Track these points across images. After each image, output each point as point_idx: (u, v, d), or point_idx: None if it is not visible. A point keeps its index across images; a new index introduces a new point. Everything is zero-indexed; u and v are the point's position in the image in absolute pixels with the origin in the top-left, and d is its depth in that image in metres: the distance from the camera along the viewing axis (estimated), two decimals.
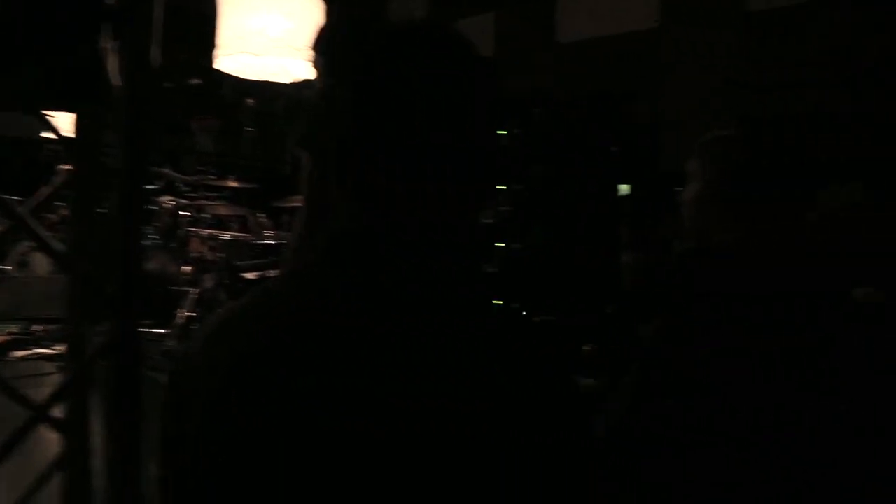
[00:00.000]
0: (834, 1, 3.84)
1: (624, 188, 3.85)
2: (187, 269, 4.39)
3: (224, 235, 4.51)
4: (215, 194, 4.74)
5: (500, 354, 0.66)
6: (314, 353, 0.62)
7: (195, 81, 4.74)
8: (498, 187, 3.44)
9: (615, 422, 1.47)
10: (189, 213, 4.56)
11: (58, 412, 1.40)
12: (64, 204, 2.12)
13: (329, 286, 0.66)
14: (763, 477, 1.33)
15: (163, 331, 3.91)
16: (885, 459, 1.32)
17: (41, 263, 4.15)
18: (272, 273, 3.89)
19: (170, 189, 4.71)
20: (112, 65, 1.29)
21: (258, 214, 4.89)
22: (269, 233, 4.76)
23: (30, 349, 3.65)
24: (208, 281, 4.27)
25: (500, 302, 3.42)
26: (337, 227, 0.71)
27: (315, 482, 0.59)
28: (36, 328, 3.84)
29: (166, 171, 4.68)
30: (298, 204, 0.96)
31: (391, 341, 0.62)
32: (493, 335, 0.68)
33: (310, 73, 0.98)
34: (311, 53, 0.95)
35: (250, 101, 5.15)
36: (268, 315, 0.67)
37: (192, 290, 4.21)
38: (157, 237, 4.54)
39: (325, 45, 0.94)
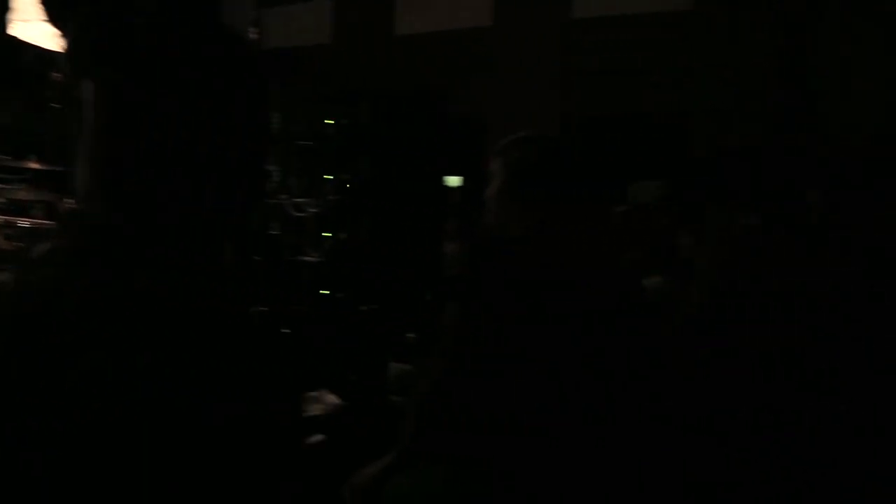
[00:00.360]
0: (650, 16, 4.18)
1: (454, 181, 3.99)
2: None
3: (23, 223, 4.11)
4: (14, 177, 4.30)
5: (213, 349, 0.65)
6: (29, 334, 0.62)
7: None
8: (326, 177, 3.45)
9: (421, 401, 1.56)
10: None
11: None
12: None
13: (66, 276, 0.66)
14: (551, 448, 1.47)
15: None
16: (667, 449, 1.50)
17: None
18: None
19: None
20: None
21: (66, 200, 4.51)
22: None
23: None
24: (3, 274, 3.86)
25: (327, 291, 3.43)
26: (86, 218, 0.69)
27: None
28: None
29: None
30: None
31: (106, 334, 0.61)
32: (212, 330, 0.67)
33: None
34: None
35: (57, 74, 4.72)
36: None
37: None
38: None
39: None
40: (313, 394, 2.85)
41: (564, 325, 1.49)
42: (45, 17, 0.70)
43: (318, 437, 2.54)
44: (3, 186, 4.19)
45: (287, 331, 3.03)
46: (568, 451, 1.47)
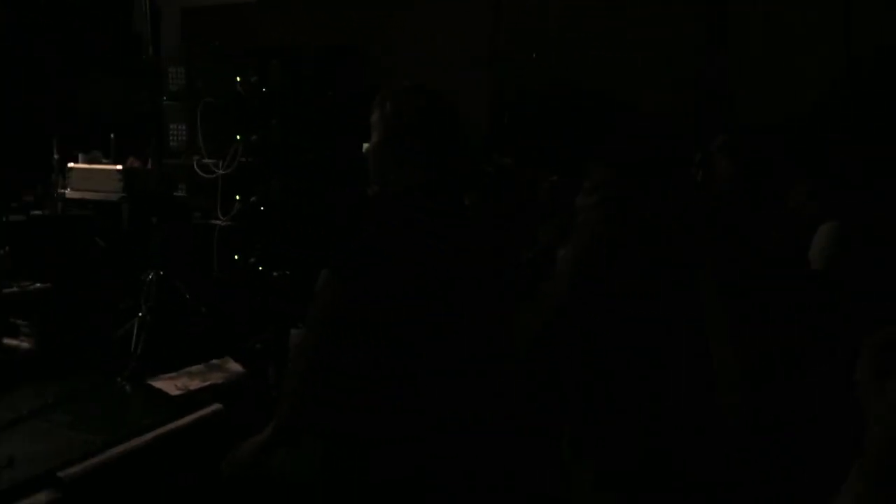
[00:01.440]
0: None
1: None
2: None
3: None
4: None
5: None
6: None
7: None
8: (238, 137, 3.32)
9: (298, 374, 1.52)
10: None
11: None
12: None
13: None
14: (424, 416, 1.45)
15: None
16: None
17: None
18: None
19: None
20: None
21: None
22: None
23: None
24: None
25: (237, 256, 3.33)
26: None
27: None
28: None
29: None
30: None
31: None
32: None
33: None
34: None
35: None
36: None
37: None
38: None
39: None
40: (216, 361, 2.78)
41: (434, 289, 1.47)
42: None
43: (216, 406, 2.48)
44: None
45: (189, 296, 2.93)
46: (441, 420, 1.46)
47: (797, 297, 1.48)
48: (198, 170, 3.26)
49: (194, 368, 2.64)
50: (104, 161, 3.34)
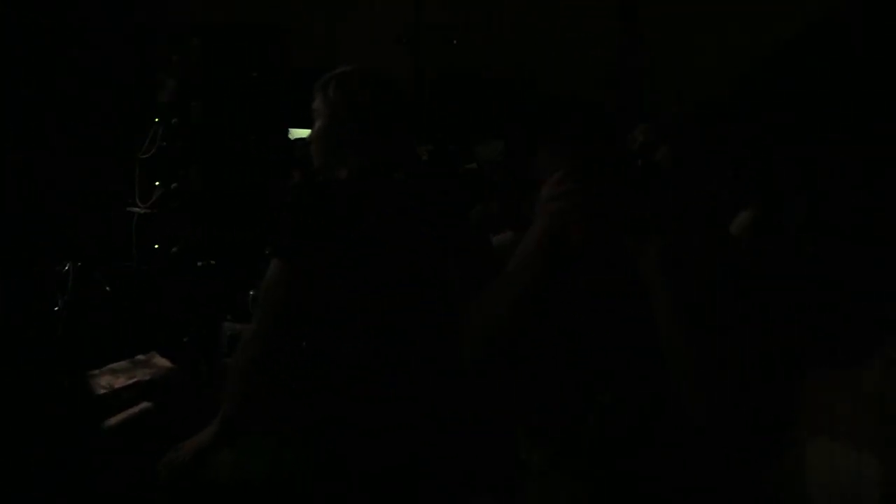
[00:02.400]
0: None
1: (300, 132, 3.79)
2: None
3: None
4: None
5: None
6: None
7: None
8: (156, 120, 3.15)
9: (244, 366, 1.47)
10: None
11: None
12: None
13: None
14: (381, 404, 1.43)
15: None
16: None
17: None
18: None
19: None
20: None
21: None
22: None
23: None
24: None
25: (157, 246, 3.17)
26: None
27: None
28: None
29: None
30: None
31: None
32: None
33: None
34: None
35: None
36: None
37: None
38: None
39: None
40: (142, 357, 2.65)
41: (386, 276, 1.45)
42: None
43: (145, 405, 2.37)
44: None
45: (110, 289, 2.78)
46: (400, 407, 1.44)
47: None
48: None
49: (118, 365, 2.51)
50: None
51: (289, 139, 3.40)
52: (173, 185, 3.11)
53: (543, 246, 1.04)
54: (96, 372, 2.42)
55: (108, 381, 2.37)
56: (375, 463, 1.41)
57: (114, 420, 2.16)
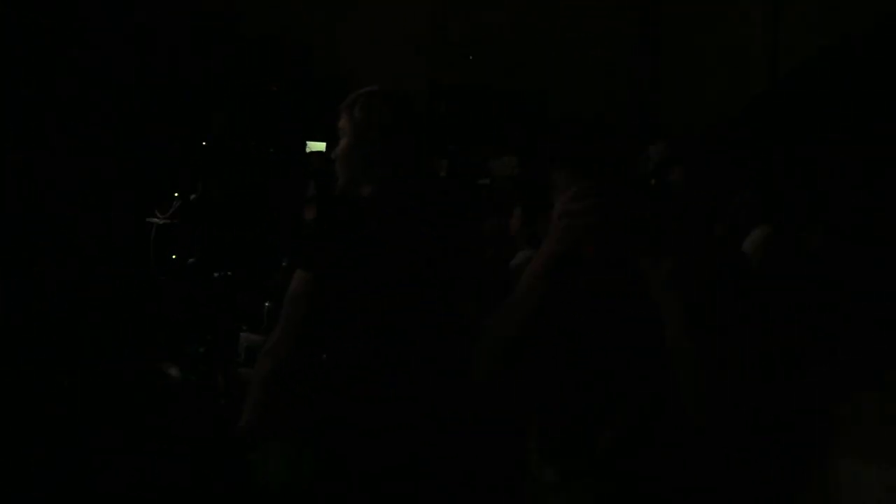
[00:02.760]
0: None
1: (317, 145, 3.84)
2: None
3: None
4: None
5: None
6: None
7: None
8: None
9: (266, 376, 1.49)
10: None
11: None
12: None
13: None
14: (401, 413, 1.45)
15: None
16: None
17: None
18: None
19: None
20: None
21: None
22: None
23: None
24: None
25: (175, 256, 3.21)
26: None
27: None
28: None
29: None
30: None
31: None
32: None
33: None
34: None
35: None
36: None
37: None
38: None
39: None
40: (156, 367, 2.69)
41: (408, 288, 1.48)
42: None
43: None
44: None
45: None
46: (417, 416, 1.46)
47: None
48: None
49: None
50: None
51: (304, 148, 3.45)
52: (192, 195, 3.16)
53: (548, 269, 1.06)
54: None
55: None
56: (376, 463, 1.44)
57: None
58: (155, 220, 3.17)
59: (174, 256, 3.21)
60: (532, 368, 1.28)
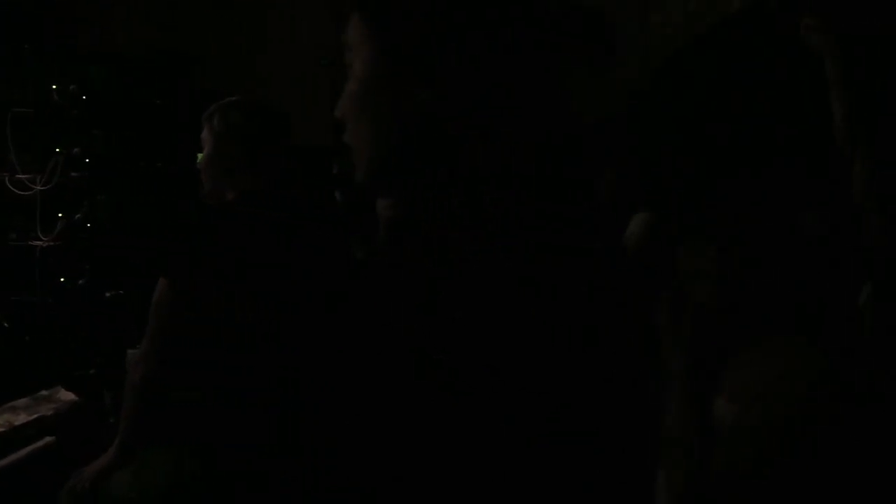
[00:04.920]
0: None
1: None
2: None
3: None
4: None
5: None
6: None
7: None
8: (57, 150, 3.07)
9: (135, 390, 1.46)
10: None
11: None
12: None
13: None
14: (269, 419, 1.45)
15: None
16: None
17: None
18: None
19: None
20: None
21: None
22: None
23: None
24: None
25: (63, 279, 3.07)
26: None
27: None
28: None
29: None
30: None
31: None
32: None
33: None
34: None
35: None
36: None
37: None
38: None
39: None
40: (45, 392, 2.56)
41: (266, 290, 1.48)
42: None
43: (48, 440, 2.29)
44: None
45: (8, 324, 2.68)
46: (287, 421, 1.45)
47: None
48: (11, 186, 2.98)
49: (20, 402, 2.42)
50: None
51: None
52: (77, 215, 3.04)
53: None
54: None
55: (6, 418, 2.28)
56: (252, 469, 1.44)
57: (10, 459, 2.09)
58: (38, 242, 3.03)
59: (62, 279, 3.07)
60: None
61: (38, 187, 2.99)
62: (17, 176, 2.98)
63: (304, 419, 1.45)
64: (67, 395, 2.54)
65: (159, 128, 3.20)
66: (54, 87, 2.98)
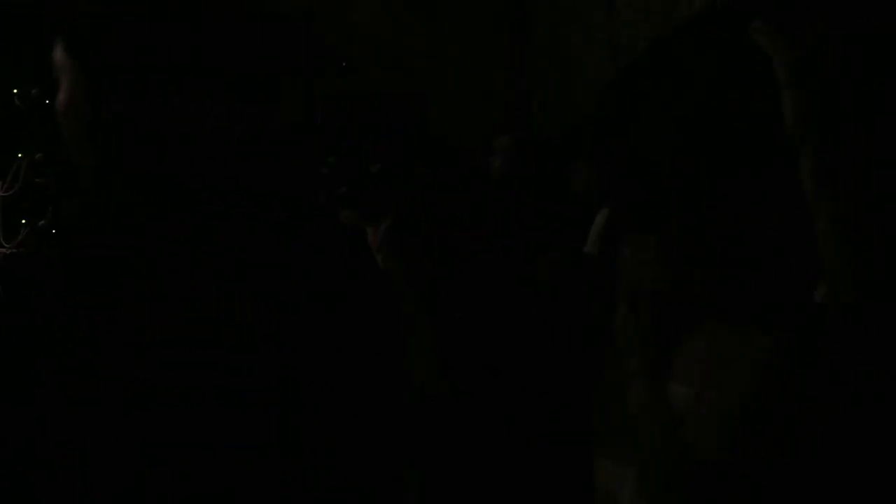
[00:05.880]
0: None
1: None
2: None
3: None
4: None
5: None
6: None
7: None
8: (20, 155, 3.01)
9: None
10: None
11: None
12: None
13: None
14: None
15: None
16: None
17: None
18: None
19: None
20: None
21: None
22: None
23: None
24: None
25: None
26: None
27: None
28: None
29: None
30: None
31: None
32: None
33: None
34: None
35: None
36: None
37: None
38: None
39: None
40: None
41: (269, 294, 1.45)
42: None
43: None
44: None
45: None
46: (286, 422, 1.42)
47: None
48: None
49: None
50: None
51: None
52: (41, 222, 2.98)
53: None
54: None
55: None
56: (255, 474, 1.40)
57: None
58: (1, 249, 2.97)
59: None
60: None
61: (1, 193, 2.94)
62: None
63: (304, 419, 1.42)
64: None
65: None
66: (15, 91, 2.92)
